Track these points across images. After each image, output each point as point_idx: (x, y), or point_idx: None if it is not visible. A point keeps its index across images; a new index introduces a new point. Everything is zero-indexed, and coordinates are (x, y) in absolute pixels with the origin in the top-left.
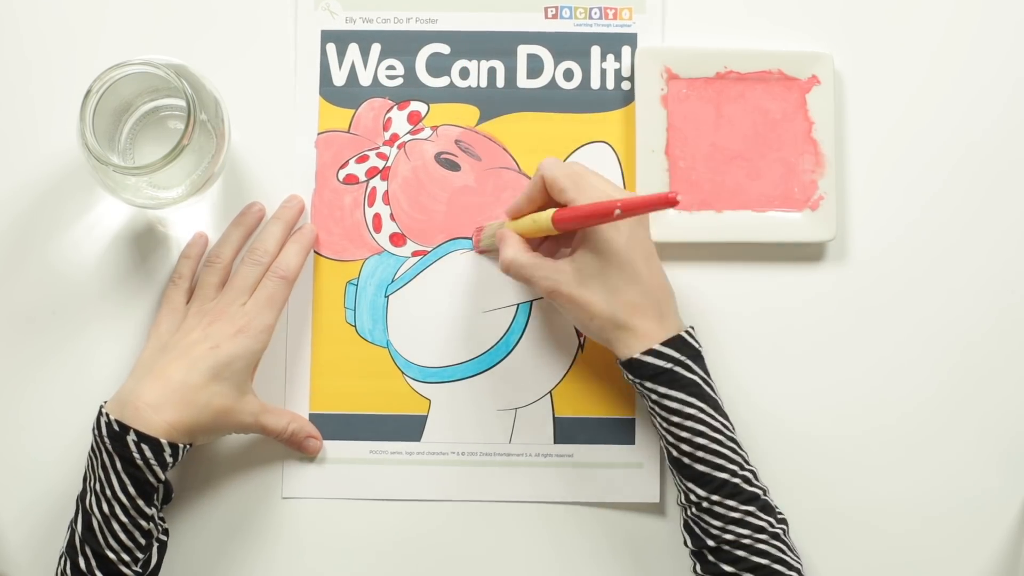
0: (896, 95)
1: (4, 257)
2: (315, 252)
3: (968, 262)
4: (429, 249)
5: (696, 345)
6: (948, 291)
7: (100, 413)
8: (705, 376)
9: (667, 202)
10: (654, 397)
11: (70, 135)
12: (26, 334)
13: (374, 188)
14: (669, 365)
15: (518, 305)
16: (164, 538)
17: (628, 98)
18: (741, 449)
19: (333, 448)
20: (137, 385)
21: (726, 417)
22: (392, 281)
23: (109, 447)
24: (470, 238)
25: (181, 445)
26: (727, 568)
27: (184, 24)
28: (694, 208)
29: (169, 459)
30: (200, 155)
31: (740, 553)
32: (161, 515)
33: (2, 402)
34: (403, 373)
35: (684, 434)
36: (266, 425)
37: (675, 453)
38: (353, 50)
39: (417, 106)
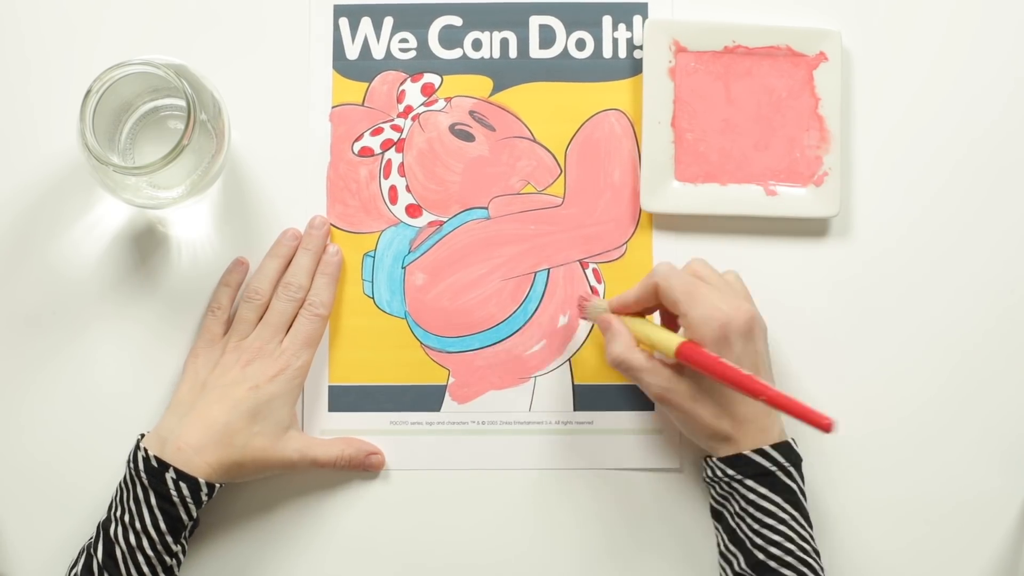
0: (905, 73)
1: (4, 257)
2: (332, 225)
3: (974, 253)
4: (445, 219)
5: (800, 455)
6: (952, 279)
7: (137, 447)
8: (802, 486)
9: (817, 424)
10: (751, 497)
11: (70, 135)
12: (26, 335)
13: (389, 160)
14: (774, 468)
15: (535, 274)
16: (178, 569)
17: (640, 67)
18: (817, 563)
19: (353, 420)
20: (178, 424)
21: (811, 533)
22: (409, 252)
23: (145, 481)
24: (486, 208)
25: (218, 484)
26: None
27: (192, 14)
28: (699, 180)
29: (204, 497)
30: (200, 155)
31: None
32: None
33: (3, 402)
34: (421, 343)
35: (776, 537)
36: (317, 458)
37: (761, 556)
38: (366, 24)
39: (430, 78)
